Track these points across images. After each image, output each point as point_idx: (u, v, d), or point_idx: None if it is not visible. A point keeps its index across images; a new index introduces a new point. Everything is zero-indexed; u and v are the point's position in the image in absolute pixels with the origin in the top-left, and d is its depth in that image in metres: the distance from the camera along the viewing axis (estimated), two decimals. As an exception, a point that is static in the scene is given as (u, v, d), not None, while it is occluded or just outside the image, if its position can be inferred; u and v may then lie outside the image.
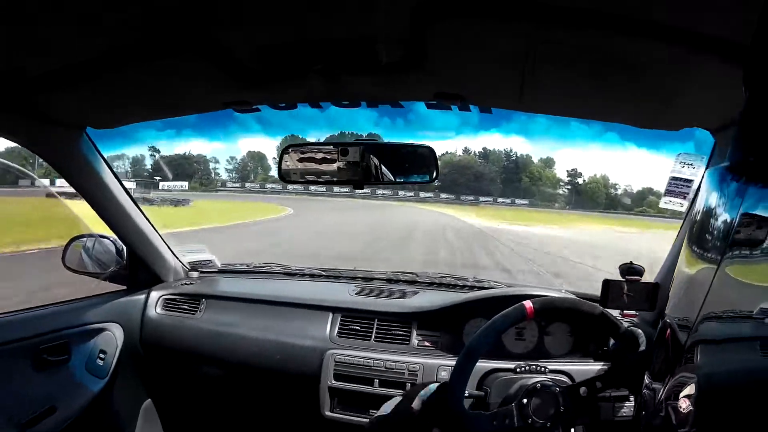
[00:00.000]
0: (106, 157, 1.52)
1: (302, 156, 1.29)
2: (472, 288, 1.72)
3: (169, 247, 1.83)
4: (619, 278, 1.45)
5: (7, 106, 1.20)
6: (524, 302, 1.10)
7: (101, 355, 1.61)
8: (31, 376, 1.40)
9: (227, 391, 1.84)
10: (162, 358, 1.77)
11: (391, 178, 1.28)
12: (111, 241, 1.72)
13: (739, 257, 0.50)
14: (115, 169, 1.57)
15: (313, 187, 31.87)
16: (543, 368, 1.32)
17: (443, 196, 36.27)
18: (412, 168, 1.33)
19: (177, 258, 1.88)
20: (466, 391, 1.14)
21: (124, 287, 1.78)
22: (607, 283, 1.41)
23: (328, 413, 1.49)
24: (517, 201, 33.30)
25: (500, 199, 34.76)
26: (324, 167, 1.27)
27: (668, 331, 0.66)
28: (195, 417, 1.95)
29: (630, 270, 1.47)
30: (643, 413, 0.76)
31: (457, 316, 1.52)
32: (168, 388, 1.88)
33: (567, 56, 0.96)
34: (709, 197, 0.59)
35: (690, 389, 0.55)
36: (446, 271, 1.95)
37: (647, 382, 0.77)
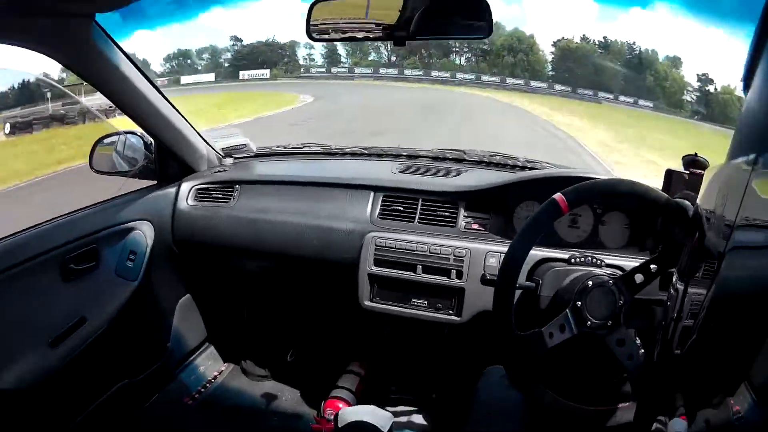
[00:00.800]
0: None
1: (334, 8, 1.11)
2: (523, 168, 1.58)
3: (200, 135, 1.73)
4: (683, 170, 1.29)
5: (11, 7, 1.07)
6: (554, 196, 0.95)
7: (131, 257, 1.58)
8: (59, 289, 1.38)
9: (264, 281, 1.82)
10: (196, 252, 1.73)
11: (440, 30, 1.10)
12: (138, 135, 1.64)
13: None
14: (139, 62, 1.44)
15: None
16: (599, 261, 1.20)
17: (558, 87, 30.08)
18: (464, 21, 1.13)
19: (209, 145, 1.79)
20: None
21: (154, 182, 1.71)
22: (669, 173, 1.27)
23: (367, 302, 1.42)
24: (641, 102, 27.65)
25: (622, 97, 28.33)
26: (359, 19, 1.09)
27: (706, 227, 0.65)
28: (233, 309, 1.95)
29: (694, 162, 1.30)
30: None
31: (508, 196, 1.40)
32: (204, 282, 1.86)
33: None
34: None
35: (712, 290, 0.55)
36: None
37: (673, 281, 0.76)
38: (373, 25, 1.09)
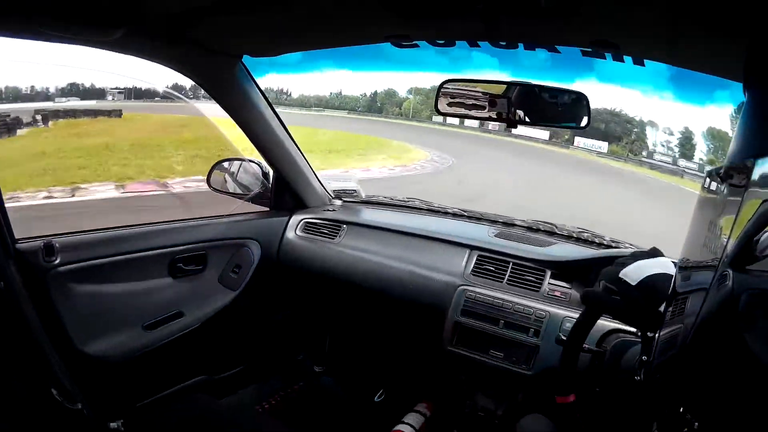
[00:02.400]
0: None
1: (458, 91, 1.32)
2: (609, 246, 1.67)
3: (315, 174, 1.93)
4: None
5: (173, 38, 1.31)
6: None
7: (235, 269, 1.76)
8: (165, 282, 1.57)
9: (354, 314, 1.93)
10: (297, 277, 1.87)
11: (546, 120, 1.29)
12: (257, 164, 1.86)
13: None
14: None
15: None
16: None
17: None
18: (564, 112, 1.32)
19: (322, 185, 1.97)
20: (586, 346, 1.15)
21: (267, 209, 1.91)
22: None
23: (449, 347, 1.53)
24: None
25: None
26: (478, 104, 1.30)
27: (681, 277, 0.68)
28: (319, 334, 2.08)
29: None
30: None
31: (591, 271, 1.49)
32: (298, 306, 2.00)
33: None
34: (709, 196, 0.59)
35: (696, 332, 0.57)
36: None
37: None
38: (490, 108, 1.30)
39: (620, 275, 1.01)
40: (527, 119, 1.30)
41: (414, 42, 1.37)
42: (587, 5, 1.01)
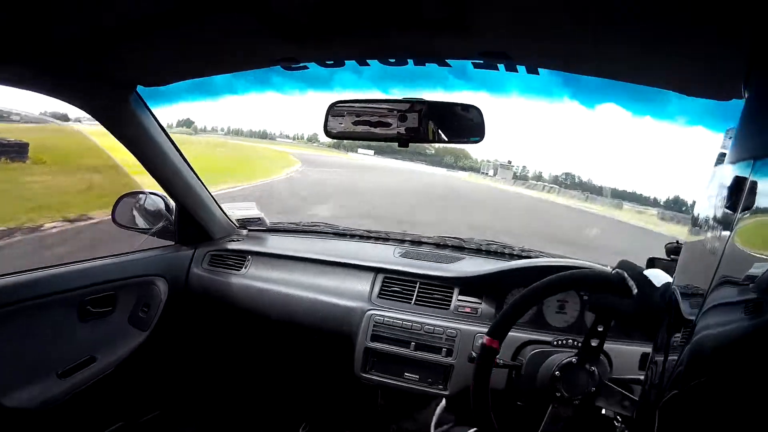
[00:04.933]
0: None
1: (347, 112, 1.28)
2: (520, 257, 1.69)
3: (218, 205, 1.87)
4: (665, 257, 1.41)
5: (62, 70, 1.24)
6: (483, 340, 1.10)
7: (144, 308, 1.68)
8: (75, 327, 1.48)
9: (265, 345, 1.89)
10: (205, 312, 1.82)
11: (439, 137, 1.26)
12: (161, 197, 1.78)
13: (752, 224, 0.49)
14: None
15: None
16: (580, 343, 1.28)
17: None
18: (460, 128, 1.30)
19: (226, 215, 1.93)
20: (500, 360, 1.13)
21: (172, 243, 1.83)
22: (651, 261, 1.39)
23: (362, 374, 1.50)
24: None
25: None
26: (369, 125, 1.26)
27: (675, 300, 0.66)
28: (234, 370, 2.01)
29: (676, 249, 1.42)
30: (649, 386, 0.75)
31: (500, 283, 1.51)
32: (210, 342, 1.93)
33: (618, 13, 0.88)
34: (712, 196, 0.58)
35: (697, 357, 0.54)
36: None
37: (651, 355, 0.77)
38: (381, 129, 1.26)
39: (645, 273, 0.99)
40: (420, 137, 1.27)
41: (303, 64, 1.33)
42: (475, 18, 0.99)
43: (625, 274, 1.01)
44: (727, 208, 0.53)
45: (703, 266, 0.55)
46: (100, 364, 1.53)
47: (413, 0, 0.96)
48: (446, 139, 1.29)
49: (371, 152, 29.78)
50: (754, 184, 0.48)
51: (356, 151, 30.90)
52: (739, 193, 0.50)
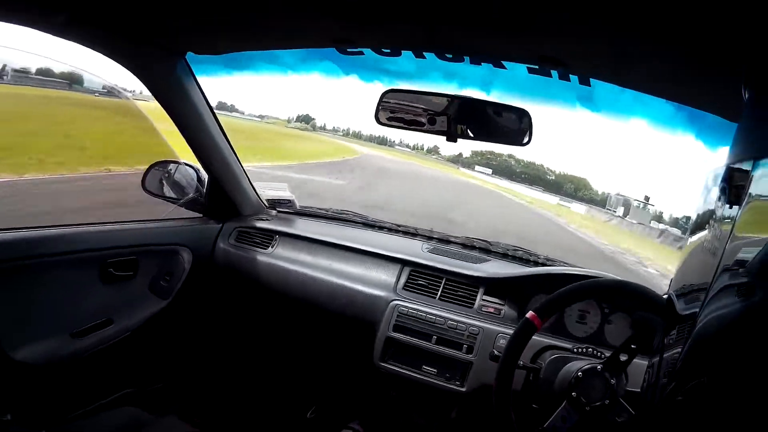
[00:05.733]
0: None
1: (400, 102, 1.29)
2: (543, 264, 1.69)
3: (251, 183, 1.88)
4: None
5: (116, 28, 1.26)
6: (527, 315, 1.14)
7: (167, 277, 1.68)
8: (95, 288, 1.47)
9: (285, 326, 1.89)
10: (228, 286, 1.82)
11: (487, 134, 1.27)
12: (194, 169, 1.78)
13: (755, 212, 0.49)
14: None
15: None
16: (599, 353, 1.29)
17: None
18: (507, 129, 1.31)
19: (257, 194, 1.93)
20: (521, 362, 1.16)
21: (200, 215, 1.83)
22: None
23: (381, 363, 1.50)
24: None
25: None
26: (420, 116, 1.27)
27: (671, 306, 0.67)
28: (250, 346, 2.01)
29: None
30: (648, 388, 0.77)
31: (525, 288, 1.51)
32: (228, 315, 1.93)
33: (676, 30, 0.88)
34: (710, 195, 0.58)
35: (699, 353, 0.55)
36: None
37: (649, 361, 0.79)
38: (431, 122, 1.27)
39: None
40: (468, 133, 1.28)
41: (359, 49, 1.34)
42: (540, 20, 1.00)
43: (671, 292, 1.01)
44: (727, 208, 0.53)
45: (704, 267, 0.55)
46: (115, 328, 1.52)
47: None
48: (494, 139, 1.29)
49: (489, 171, 28.23)
50: (755, 184, 0.49)
51: (473, 169, 29.37)
52: (740, 194, 0.50)
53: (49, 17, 1.16)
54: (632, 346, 1.10)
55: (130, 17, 1.21)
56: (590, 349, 1.30)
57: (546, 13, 0.96)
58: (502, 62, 1.32)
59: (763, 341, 0.45)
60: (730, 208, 0.52)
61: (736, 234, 0.49)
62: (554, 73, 1.28)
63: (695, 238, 0.64)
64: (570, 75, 1.28)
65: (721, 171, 0.57)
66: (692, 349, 0.55)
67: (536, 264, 1.70)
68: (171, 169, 1.79)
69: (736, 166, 0.54)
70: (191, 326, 1.84)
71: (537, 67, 1.26)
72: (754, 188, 0.48)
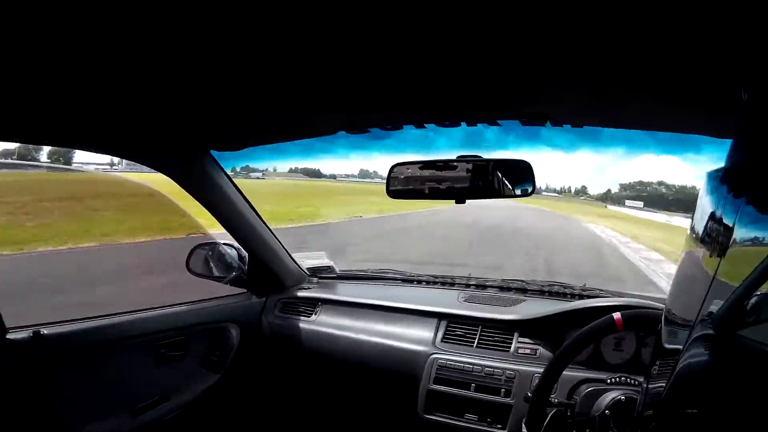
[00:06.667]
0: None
1: (407, 173, 1.39)
2: (580, 297, 1.71)
3: (289, 255, 2.00)
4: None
5: (146, 139, 1.42)
6: (613, 314, 1.11)
7: (217, 352, 1.80)
8: (150, 369, 1.60)
9: (334, 389, 1.95)
10: (276, 356, 1.92)
11: (495, 192, 1.35)
12: (234, 248, 1.91)
13: (738, 259, 0.49)
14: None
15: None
16: (634, 381, 1.29)
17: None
18: (511, 182, 1.38)
19: (297, 264, 2.04)
20: (554, 398, 1.18)
21: (245, 291, 1.96)
22: None
23: (425, 415, 1.56)
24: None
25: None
26: (426, 184, 1.37)
27: (663, 325, 0.66)
28: (303, 412, 2.07)
29: None
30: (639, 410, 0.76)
31: (558, 325, 1.54)
32: (279, 384, 2.02)
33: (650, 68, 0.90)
34: (708, 199, 0.57)
35: (683, 382, 0.54)
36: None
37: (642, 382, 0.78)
38: (438, 188, 1.37)
39: None
40: (477, 194, 1.36)
41: (365, 129, 1.46)
42: (522, 87, 1.08)
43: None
44: (724, 214, 0.52)
45: (697, 283, 0.54)
46: (172, 404, 1.64)
47: (464, 76, 1.06)
48: (504, 194, 1.37)
49: (640, 204, 25.26)
50: (753, 189, 0.49)
51: (623, 204, 27.01)
52: (737, 200, 0.50)
53: (79, 139, 1.34)
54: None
55: (157, 127, 1.36)
56: (623, 378, 1.30)
57: (527, 80, 1.04)
58: (497, 121, 1.43)
59: (734, 397, 0.47)
60: (727, 217, 0.51)
61: (731, 254, 0.49)
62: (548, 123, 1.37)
63: (693, 244, 0.62)
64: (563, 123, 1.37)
65: (720, 174, 0.57)
66: (674, 387, 0.56)
67: (572, 297, 1.72)
68: (213, 249, 1.93)
69: (734, 170, 0.54)
70: (244, 398, 1.92)
71: (527, 120, 1.36)
72: (752, 194, 0.48)
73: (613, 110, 1.24)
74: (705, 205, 0.57)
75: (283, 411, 2.07)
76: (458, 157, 1.39)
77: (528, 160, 1.39)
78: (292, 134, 1.55)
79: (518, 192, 1.38)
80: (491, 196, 1.36)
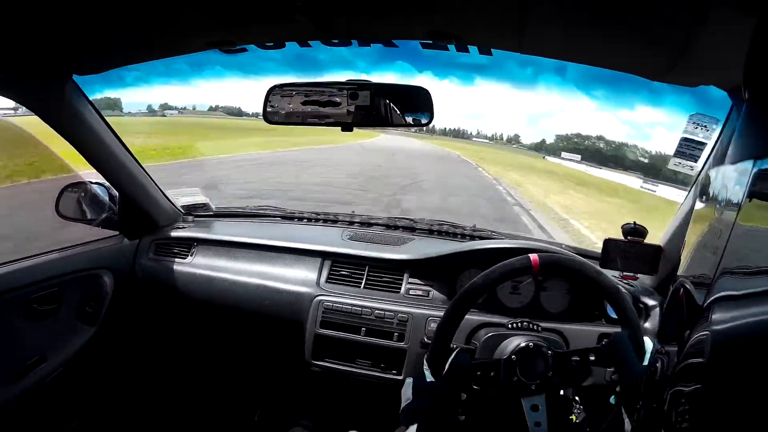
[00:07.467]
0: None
1: (288, 97, 1.22)
2: (471, 237, 1.68)
3: (162, 192, 1.81)
4: (621, 238, 1.41)
5: None
6: (529, 255, 1.02)
7: (91, 303, 1.63)
8: (22, 327, 1.42)
9: (216, 335, 1.86)
10: (153, 303, 1.78)
11: (385, 120, 1.22)
12: (105, 187, 1.70)
13: (756, 213, 0.49)
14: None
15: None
16: (536, 326, 1.28)
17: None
18: (407, 110, 1.26)
19: (171, 202, 1.87)
20: (454, 344, 1.10)
21: (117, 233, 1.77)
22: (607, 243, 1.39)
23: (313, 361, 1.49)
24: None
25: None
26: (310, 108, 1.21)
27: (682, 292, 0.64)
28: (185, 360, 1.99)
29: (633, 231, 1.42)
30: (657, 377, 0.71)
31: (452, 266, 1.49)
32: (158, 333, 1.90)
33: None
34: (711, 195, 0.58)
35: (709, 345, 0.52)
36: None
37: (659, 347, 0.74)
38: (323, 114, 1.21)
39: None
40: (366, 121, 1.22)
41: (241, 47, 1.26)
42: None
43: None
44: (726, 207, 0.53)
45: (704, 266, 0.55)
46: (51, 364, 1.48)
47: None
48: (394, 122, 1.24)
49: (578, 157, 25.59)
50: (754, 184, 0.48)
51: (560, 156, 26.83)
52: (739, 193, 0.50)
53: None
54: (591, 357, 1.05)
55: (7, 48, 1.12)
56: (526, 324, 1.28)
57: None
58: (393, 41, 1.27)
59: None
60: (729, 210, 0.52)
61: (735, 240, 0.49)
62: (451, 46, 1.24)
63: (697, 235, 0.62)
64: (468, 46, 1.24)
65: (721, 169, 0.57)
66: (700, 349, 0.52)
67: (463, 237, 1.68)
68: (82, 190, 1.70)
69: (737, 165, 0.54)
70: (124, 348, 1.79)
71: (430, 42, 1.22)
72: (754, 188, 0.48)
73: (532, 33, 1.11)
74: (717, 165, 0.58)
75: (165, 360, 1.97)
76: (348, 80, 1.24)
77: (427, 88, 1.26)
78: (159, 51, 1.32)
79: (410, 120, 1.25)
80: (381, 124, 1.23)
